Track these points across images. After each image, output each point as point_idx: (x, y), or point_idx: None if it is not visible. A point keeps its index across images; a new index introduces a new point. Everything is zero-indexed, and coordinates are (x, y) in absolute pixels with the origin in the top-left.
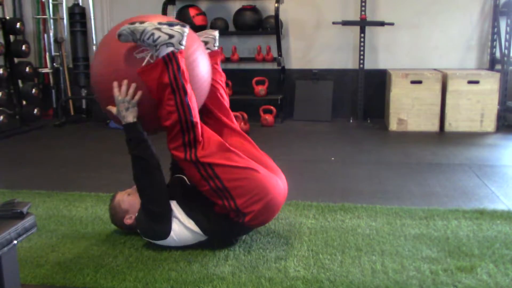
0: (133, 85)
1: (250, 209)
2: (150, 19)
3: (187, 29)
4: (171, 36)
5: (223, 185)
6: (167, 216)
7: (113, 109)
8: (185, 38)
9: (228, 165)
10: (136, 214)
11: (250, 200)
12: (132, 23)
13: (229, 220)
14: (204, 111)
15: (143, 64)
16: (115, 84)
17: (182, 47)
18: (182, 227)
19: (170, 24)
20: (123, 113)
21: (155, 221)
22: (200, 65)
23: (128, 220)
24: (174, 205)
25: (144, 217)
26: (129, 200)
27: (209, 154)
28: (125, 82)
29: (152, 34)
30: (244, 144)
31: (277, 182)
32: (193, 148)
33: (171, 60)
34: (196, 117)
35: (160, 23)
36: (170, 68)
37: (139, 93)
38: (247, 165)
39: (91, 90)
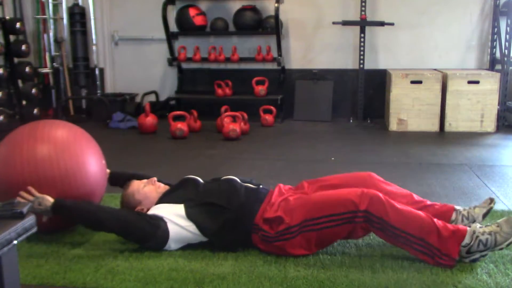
0: (29, 188)
1: (292, 249)
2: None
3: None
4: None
5: (295, 234)
6: (150, 231)
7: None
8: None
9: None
10: (149, 206)
11: (299, 245)
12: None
13: (246, 233)
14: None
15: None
16: (18, 198)
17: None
18: (181, 229)
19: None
20: (42, 208)
21: (143, 242)
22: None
23: (140, 210)
24: (179, 209)
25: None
26: (144, 191)
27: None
28: (20, 192)
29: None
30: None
31: None
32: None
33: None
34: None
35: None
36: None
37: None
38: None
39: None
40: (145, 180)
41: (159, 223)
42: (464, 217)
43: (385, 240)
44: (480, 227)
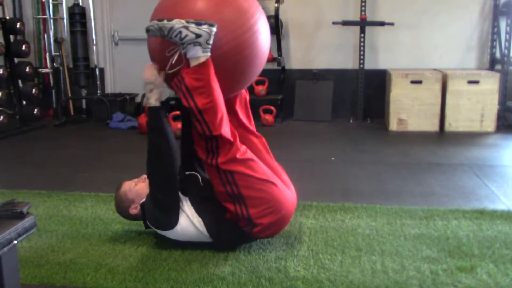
0: (154, 66)
1: (261, 221)
2: (180, 11)
3: (214, 28)
4: (198, 36)
5: (239, 192)
6: (173, 208)
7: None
8: (212, 37)
9: (248, 174)
10: (142, 200)
11: (263, 212)
12: (160, 20)
13: (237, 228)
14: (230, 111)
15: (170, 62)
16: (146, 66)
17: (209, 46)
18: (190, 223)
19: (198, 23)
20: (148, 94)
21: (160, 210)
22: (259, 40)
23: (134, 210)
24: (186, 201)
25: (150, 204)
26: (136, 189)
27: (230, 161)
28: (149, 64)
29: (180, 32)
30: (261, 152)
31: (290, 197)
32: (215, 154)
33: (179, 84)
34: (217, 130)
35: (188, 21)
36: (180, 93)
37: (161, 74)
38: (267, 177)
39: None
40: (135, 179)
41: (179, 210)
42: None
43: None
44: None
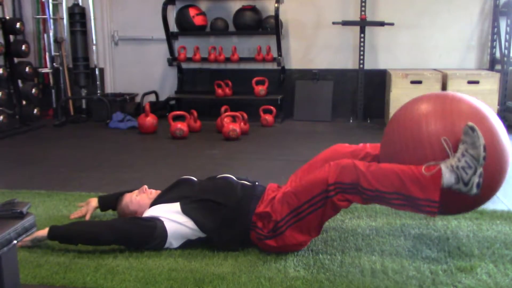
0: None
1: (282, 242)
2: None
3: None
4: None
5: (283, 228)
6: (148, 233)
7: None
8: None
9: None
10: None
11: (292, 239)
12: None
13: (243, 230)
14: None
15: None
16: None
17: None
18: (179, 225)
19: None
20: (39, 240)
21: (144, 244)
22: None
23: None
24: (174, 207)
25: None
26: (137, 200)
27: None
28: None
29: (475, 177)
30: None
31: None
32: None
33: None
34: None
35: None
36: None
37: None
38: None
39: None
40: (136, 190)
41: (155, 223)
42: None
43: (364, 203)
44: (452, 158)
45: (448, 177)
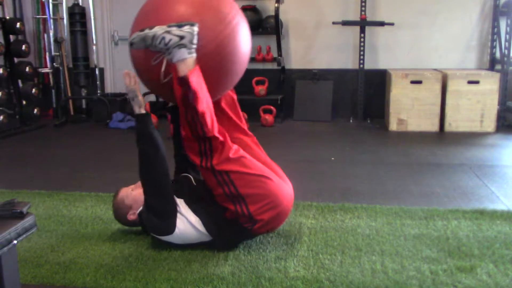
0: (131, 73)
1: (262, 217)
2: (160, 17)
3: (196, 28)
4: (181, 37)
5: (237, 191)
6: (170, 213)
7: None
8: (195, 37)
9: (243, 172)
10: (140, 209)
11: (263, 208)
12: (142, 30)
13: (237, 225)
14: (219, 111)
15: (162, 72)
16: (124, 73)
17: (194, 46)
18: (189, 225)
19: (179, 25)
20: (132, 102)
21: (157, 217)
22: (239, 37)
23: (132, 216)
24: (181, 203)
25: (147, 212)
26: (133, 195)
27: (224, 161)
28: (126, 71)
29: (163, 38)
30: (253, 149)
31: (287, 190)
32: (208, 157)
33: (183, 83)
34: (211, 132)
35: (169, 26)
36: (182, 89)
37: (136, 81)
38: (262, 172)
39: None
40: (132, 185)
41: (176, 213)
42: None
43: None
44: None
45: (176, 56)
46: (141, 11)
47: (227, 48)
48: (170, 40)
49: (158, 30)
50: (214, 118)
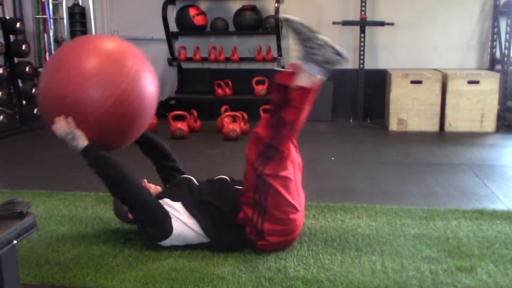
0: (69, 119)
1: (270, 238)
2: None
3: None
4: (330, 62)
5: (265, 205)
6: (160, 218)
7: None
8: (330, 68)
9: (281, 194)
10: None
11: (276, 232)
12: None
13: (240, 232)
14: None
15: (287, 69)
16: (55, 120)
17: (325, 72)
18: (185, 227)
19: (337, 53)
20: (73, 143)
21: (150, 226)
22: (139, 87)
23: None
24: (178, 206)
25: (138, 223)
26: None
27: (274, 175)
28: (58, 118)
29: (324, 48)
30: (296, 171)
31: (301, 220)
32: (264, 163)
33: (302, 92)
34: (283, 145)
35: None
36: (292, 96)
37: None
38: (294, 201)
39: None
40: None
41: (168, 216)
42: None
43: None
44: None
45: (310, 68)
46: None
47: (127, 100)
48: (330, 55)
49: (326, 37)
50: (294, 136)
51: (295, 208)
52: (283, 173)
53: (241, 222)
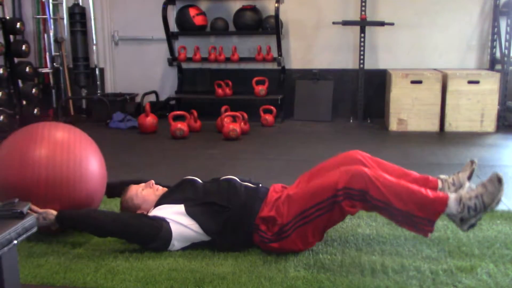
0: (31, 206)
1: (285, 243)
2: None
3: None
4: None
5: (289, 232)
6: (154, 231)
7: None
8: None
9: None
10: (148, 209)
11: (287, 247)
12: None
13: (247, 233)
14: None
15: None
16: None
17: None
18: (184, 228)
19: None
20: (47, 222)
21: (149, 243)
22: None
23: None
24: (180, 208)
25: (140, 245)
26: (142, 195)
27: (345, 211)
28: (42, 211)
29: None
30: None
31: None
32: (349, 198)
33: None
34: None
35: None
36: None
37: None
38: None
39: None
40: (143, 184)
41: (161, 224)
42: (451, 184)
43: (367, 211)
44: (467, 192)
45: (453, 207)
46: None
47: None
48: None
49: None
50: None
51: (311, 243)
52: (339, 217)
53: (262, 218)
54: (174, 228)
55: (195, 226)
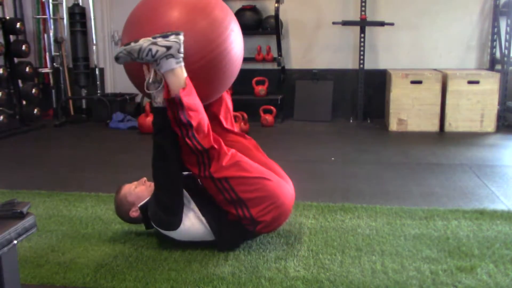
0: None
1: (264, 218)
2: (144, 29)
3: (182, 36)
4: (168, 48)
5: (238, 196)
6: (178, 209)
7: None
8: (182, 45)
9: (241, 176)
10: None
11: (265, 210)
12: (127, 44)
13: (240, 226)
14: (211, 117)
15: (147, 81)
16: (145, 66)
17: (181, 55)
18: (194, 221)
19: (165, 36)
20: (154, 93)
21: (165, 212)
22: (235, 48)
23: (134, 213)
24: (191, 200)
25: (155, 205)
26: (136, 192)
27: (221, 167)
28: (145, 65)
29: (150, 50)
30: (251, 151)
31: (288, 189)
32: (206, 166)
33: (175, 104)
34: (208, 143)
35: (154, 37)
36: (173, 109)
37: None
38: (261, 174)
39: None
40: (135, 182)
41: (183, 210)
42: None
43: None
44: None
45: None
46: (130, 20)
47: (220, 64)
48: (157, 51)
49: (144, 42)
50: (210, 128)
51: (264, 178)
52: (225, 162)
53: (235, 220)
54: (185, 220)
55: (205, 222)
